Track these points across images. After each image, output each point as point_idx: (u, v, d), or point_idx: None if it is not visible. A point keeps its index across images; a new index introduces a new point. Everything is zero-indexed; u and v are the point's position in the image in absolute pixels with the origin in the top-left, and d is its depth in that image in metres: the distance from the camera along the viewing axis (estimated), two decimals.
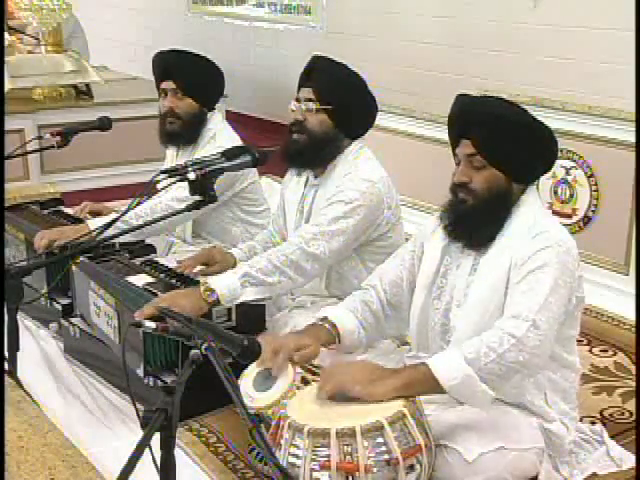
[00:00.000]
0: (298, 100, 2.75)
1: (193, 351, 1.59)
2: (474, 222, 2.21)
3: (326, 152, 2.76)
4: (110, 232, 2.56)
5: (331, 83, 2.74)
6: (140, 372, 2.54)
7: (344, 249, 2.69)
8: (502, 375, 2.02)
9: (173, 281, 2.77)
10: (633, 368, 3.01)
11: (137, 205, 2.55)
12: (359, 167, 2.72)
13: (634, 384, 2.86)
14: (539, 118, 2.26)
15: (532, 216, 2.20)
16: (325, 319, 2.37)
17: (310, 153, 2.75)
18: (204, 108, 3.36)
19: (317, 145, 2.73)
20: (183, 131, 3.34)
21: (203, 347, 1.60)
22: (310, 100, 2.72)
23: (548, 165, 2.31)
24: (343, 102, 2.72)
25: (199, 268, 2.89)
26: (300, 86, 2.78)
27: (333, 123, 2.72)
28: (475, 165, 2.19)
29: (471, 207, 2.20)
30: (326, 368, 2.19)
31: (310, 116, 2.72)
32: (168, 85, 3.32)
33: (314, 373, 2.26)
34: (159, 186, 2.54)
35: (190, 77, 3.31)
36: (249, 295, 2.55)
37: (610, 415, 2.69)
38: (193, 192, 2.51)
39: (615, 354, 3.15)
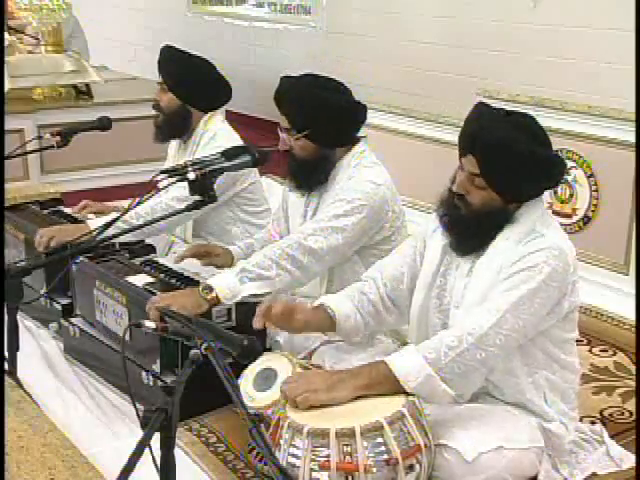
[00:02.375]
0: (281, 129, 2.76)
1: (193, 351, 1.59)
2: (463, 231, 2.22)
3: (320, 171, 2.76)
4: (110, 232, 2.56)
5: (298, 109, 2.71)
6: (157, 369, 2.54)
7: (343, 247, 2.68)
8: (461, 374, 2.06)
9: (173, 281, 2.77)
10: (633, 368, 3.01)
11: (137, 205, 2.55)
12: (363, 171, 2.72)
13: (634, 384, 2.86)
14: (539, 118, 2.24)
15: (531, 223, 2.19)
16: (321, 304, 2.39)
17: (305, 178, 2.78)
18: (187, 105, 3.36)
19: (308, 169, 2.75)
20: (164, 125, 3.39)
21: (203, 347, 1.60)
22: (287, 129, 2.73)
23: (552, 188, 2.32)
24: (316, 124, 2.68)
25: (202, 261, 2.93)
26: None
27: (315, 144, 2.71)
28: (475, 184, 2.16)
29: (463, 217, 2.20)
30: (283, 389, 2.11)
31: (294, 143, 2.73)
32: (159, 79, 3.41)
33: None
34: (159, 186, 2.54)
35: (172, 72, 3.36)
36: (248, 290, 2.54)
37: (610, 415, 2.69)
38: (193, 192, 2.52)
39: (615, 354, 3.15)
